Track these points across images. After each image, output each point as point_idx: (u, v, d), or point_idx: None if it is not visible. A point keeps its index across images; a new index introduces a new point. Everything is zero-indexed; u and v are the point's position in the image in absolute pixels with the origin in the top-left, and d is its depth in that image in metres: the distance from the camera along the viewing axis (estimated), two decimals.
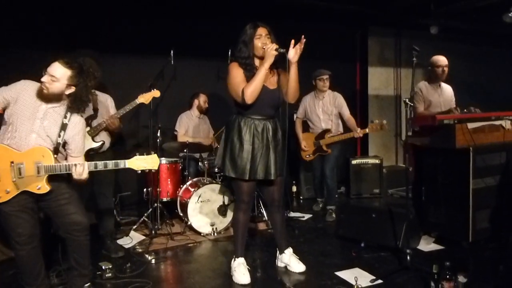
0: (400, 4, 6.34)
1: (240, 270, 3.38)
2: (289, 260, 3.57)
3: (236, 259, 3.45)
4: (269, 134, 3.30)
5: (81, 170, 2.72)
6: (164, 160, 4.98)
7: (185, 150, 4.97)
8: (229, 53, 5.40)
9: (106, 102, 4.04)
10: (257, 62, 3.29)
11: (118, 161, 2.78)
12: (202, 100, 5.57)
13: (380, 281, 3.31)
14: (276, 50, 3.10)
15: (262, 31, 3.23)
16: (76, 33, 5.06)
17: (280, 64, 3.24)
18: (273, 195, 3.51)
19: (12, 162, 2.71)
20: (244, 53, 3.25)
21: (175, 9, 5.86)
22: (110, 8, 5.48)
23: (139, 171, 2.81)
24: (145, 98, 4.12)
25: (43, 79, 2.73)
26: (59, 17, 5.19)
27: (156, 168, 2.86)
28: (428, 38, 6.91)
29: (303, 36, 3.10)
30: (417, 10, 6.49)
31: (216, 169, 5.05)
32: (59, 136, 2.80)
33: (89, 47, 4.39)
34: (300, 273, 3.51)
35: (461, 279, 3.04)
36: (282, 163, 3.36)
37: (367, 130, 5.09)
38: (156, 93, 4.20)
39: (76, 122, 2.89)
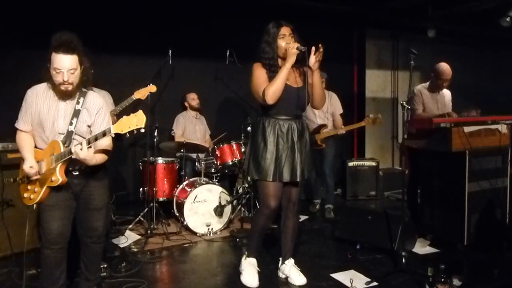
0: (397, 7, 6.36)
1: (250, 271, 3.30)
2: (290, 272, 3.39)
3: (247, 257, 3.36)
4: (294, 134, 3.18)
5: (78, 148, 2.53)
6: (160, 160, 4.98)
7: (182, 150, 4.97)
8: (227, 54, 5.42)
9: (104, 98, 4.00)
10: (281, 62, 3.18)
11: (105, 129, 2.57)
12: (190, 98, 5.59)
13: (375, 283, 3.31)
14: (297, 48, 3.03)
15: (285, 30, 3.15)
16: (73, 32, 5.04)
17: (303, 63, 3.14)
18: (290, 196, 3.33)
19: (38, 161, 2.71)
20: (268, 54, 3.16)
21: (174, 9, 5.86)
22: (108, 7, 5.48)
23: (127, 135, 2.50)
24: (141, 93, 4.11)
25: (65, 78, 2.57)
26: (56, 16, 5.17)
27: (143, 126, 2.45)
28: (425, 41, 6.93)
29: (320, 45, 3.07)
30: (415, 13, 6.52)
31: (213, 170, 5.06)
32: (71, 124, 2.69)
33: (86, 46, 4.38)
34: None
35: (456, 282, 3.06)
36: (309, 165, 3.28)
37: (355, 125, 5.36)
38: (152, 88, 4.18)
39: (92, 104, 2.75)
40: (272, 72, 3.14)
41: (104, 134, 2.55)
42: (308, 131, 3.35)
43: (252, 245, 3.39)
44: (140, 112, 2.46)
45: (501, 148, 4.21)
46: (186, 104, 5.63)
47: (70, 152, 2.56)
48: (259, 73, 3.17)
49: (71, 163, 2.68)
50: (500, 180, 4.19)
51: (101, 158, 2.72)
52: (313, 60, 3.11)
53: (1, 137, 3.88)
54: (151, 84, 4.21)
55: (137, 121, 2.45)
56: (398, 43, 7.84)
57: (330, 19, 6.87)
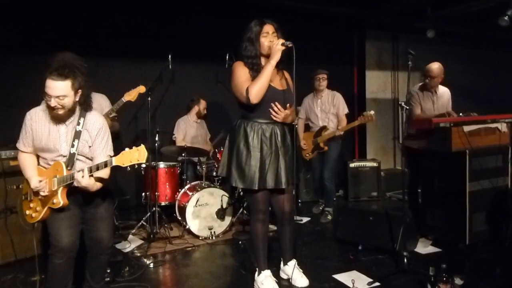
0: (397, 8, 6.37)
1: (269, 284, 3.18)
2: (292, 273, 3.35)
3: (261, 272, 3.24)
4: (278, 139, 3.09)
5: (80, 176, 2.57)
6: (162, 164, 4.99)
7: (183, 154, 4.98)
8: (227, 57, 5.43)
9: (100, 101, 3.99)
10: (264, 61, 3.09)
11: (107, 160, 2.61)
12: (202, 107, 5.60)
13: (377, 283, 3.32)
14: (282, 44, 2.95)
15: (268, 28, 3.06)
16: (73, 37, 5.08)
17: (286, 64, 3.07)
18: (283, 206, 3.24)
19: (40, 181, 2.73)
20: (250, 52, 3.06)
21: (173, 13, 5.89)
22: (108, 12, 5.51)
23: (128, 168, 2.57)
24: (131, 95, 4.12)
25: (52, 104, 2.58)
26: (56, 21, 5.21)
27: (144, 161, 2.50)
28: (425, 42, 6.95)
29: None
30: (414, 13, 6.53)
31: (214, 173, 5.08)
32: (72, 146, 2.71)
33: (87, 51, 4.40)
34: None
35: (458, 281, 3.06)
36: (293, 171, 3.14)
37: (352, 124, 5.24)
38: (141, 88, 4.18)
39: (92, 124, 2.77)
40: (255, 71, 3.04)
41: (105, 165, 2.58)
42: (290, 135, 3.21)
43: (260, 259, 3.24)
44: (142, 147, 2.50)
45: (501, 147, 4.21)
46: (196, 107, 5.59)
47: (73, 178, 2.60)
48: (241, 71, 3.07)
49: (73, 186, 2.70)
50: (501, 179, 4.20)
51: (100, 185, 2.74)
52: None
53: (4, 144, 3.91)
54: (140, 85, 4.22)
55: (138, 156, 2.49)
56: (398, 44, 7.84)
57: (330, 21, 6.88)
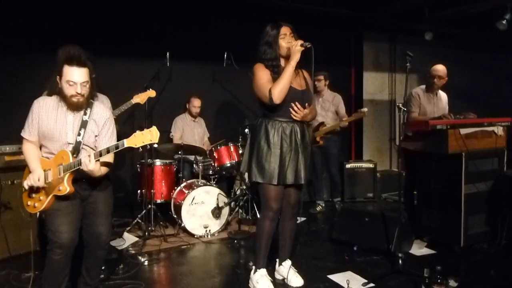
0: (394, 10, 6.38)
1: (264, 283, 3.22)
2: (287, 273, 3.38)
3: (257, 270, 3.27)
4: (298, 137, 3.17)
5: (87, 160, 2.58)
6: (158, 162, 4.99)
7: (179, 152, 4.98)
8: (225, 56, 5.44)
9: (103, 103, 3.99)
10: (283, 62, 3.18)
11: (118, 142, 2.63)
12: (192, 104, 5.59)
13: (372, 284, 3.33)
14: (301, 45, 3.02)
15: (286, 30, 3.14)
16: (72, 35, 5.05)
17: (304, 64, 3.14)
18: (289, 199, 3.31)
19: (44, 171, 2.73)
20: (270, 55, 3.13)
21: (172, 12, 5.88)
22: (106, 11, 5.50)
23: (140, 149, 2.58)
24: (140, 98, 4.14)
25: (78, 90, 2.64)
26: (55, 19, 5.19)
27: (157, 141, 2.58)
28: (423, 44, 6.96)
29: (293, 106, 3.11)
30: (412, 15, 6.54)
31: (211, 172, 5.08)
32: (79, 134, 2.74)
33: (85, 49, 4.40)
34: None
35: (452, 283, 3.09)
36: (309, 167, 3.24)
37: (352, 117, 5.61)
38: (151, 93, 4.22)
39: (99, 115, 2.80)
40: (276, 73, 3.11)
41: (117, 147, 2.61)
42: (309, 133, 3.31)
43: (260, 256, 3.27)
44: (154, 128, 2.56)
45: (497, 150, 4.23)
46: (187, 105, 5.64)
47: (79, 163, 2.62)
48: (263, 73, 3.13)
49: (77, 174, 2.71)
50: (497, 182, 4.19)
51: (105, 170, 2.78)
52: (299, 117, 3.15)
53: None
54: (150, 89, 4.24)
55: (151, 136, 2.56)
56: (396, 45, 7.87)
57: (327, 22, 6.89)
